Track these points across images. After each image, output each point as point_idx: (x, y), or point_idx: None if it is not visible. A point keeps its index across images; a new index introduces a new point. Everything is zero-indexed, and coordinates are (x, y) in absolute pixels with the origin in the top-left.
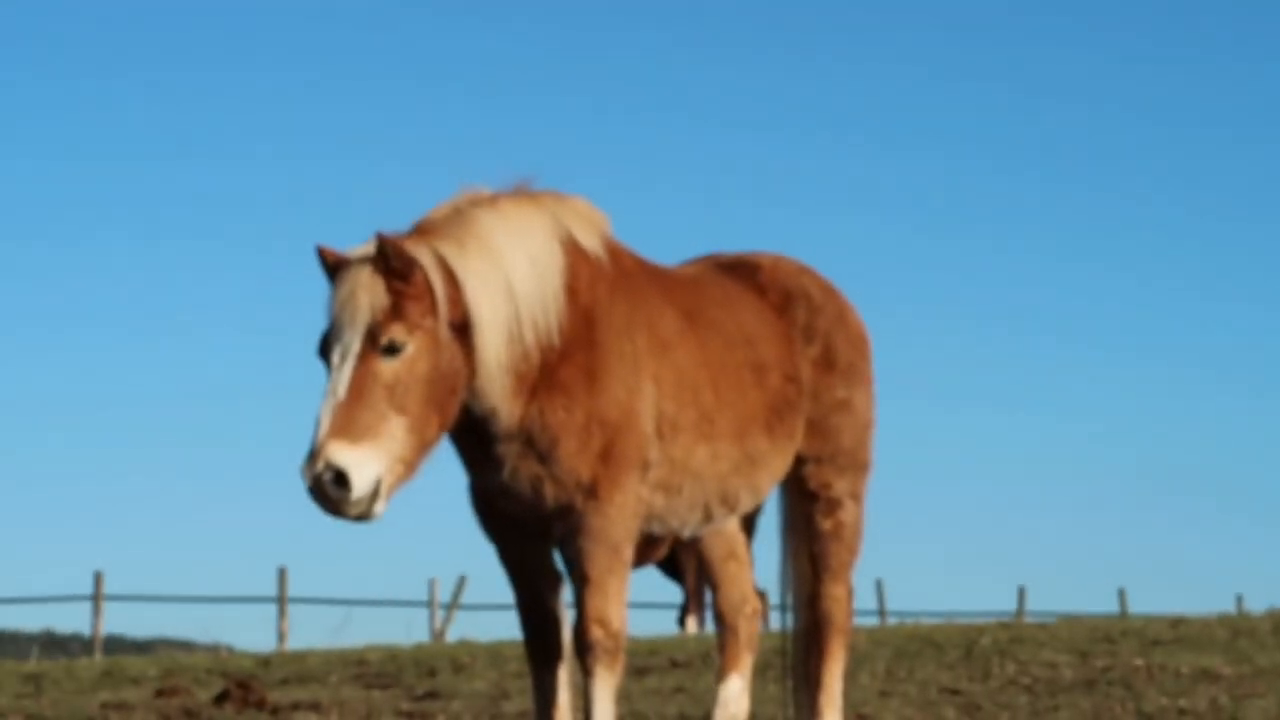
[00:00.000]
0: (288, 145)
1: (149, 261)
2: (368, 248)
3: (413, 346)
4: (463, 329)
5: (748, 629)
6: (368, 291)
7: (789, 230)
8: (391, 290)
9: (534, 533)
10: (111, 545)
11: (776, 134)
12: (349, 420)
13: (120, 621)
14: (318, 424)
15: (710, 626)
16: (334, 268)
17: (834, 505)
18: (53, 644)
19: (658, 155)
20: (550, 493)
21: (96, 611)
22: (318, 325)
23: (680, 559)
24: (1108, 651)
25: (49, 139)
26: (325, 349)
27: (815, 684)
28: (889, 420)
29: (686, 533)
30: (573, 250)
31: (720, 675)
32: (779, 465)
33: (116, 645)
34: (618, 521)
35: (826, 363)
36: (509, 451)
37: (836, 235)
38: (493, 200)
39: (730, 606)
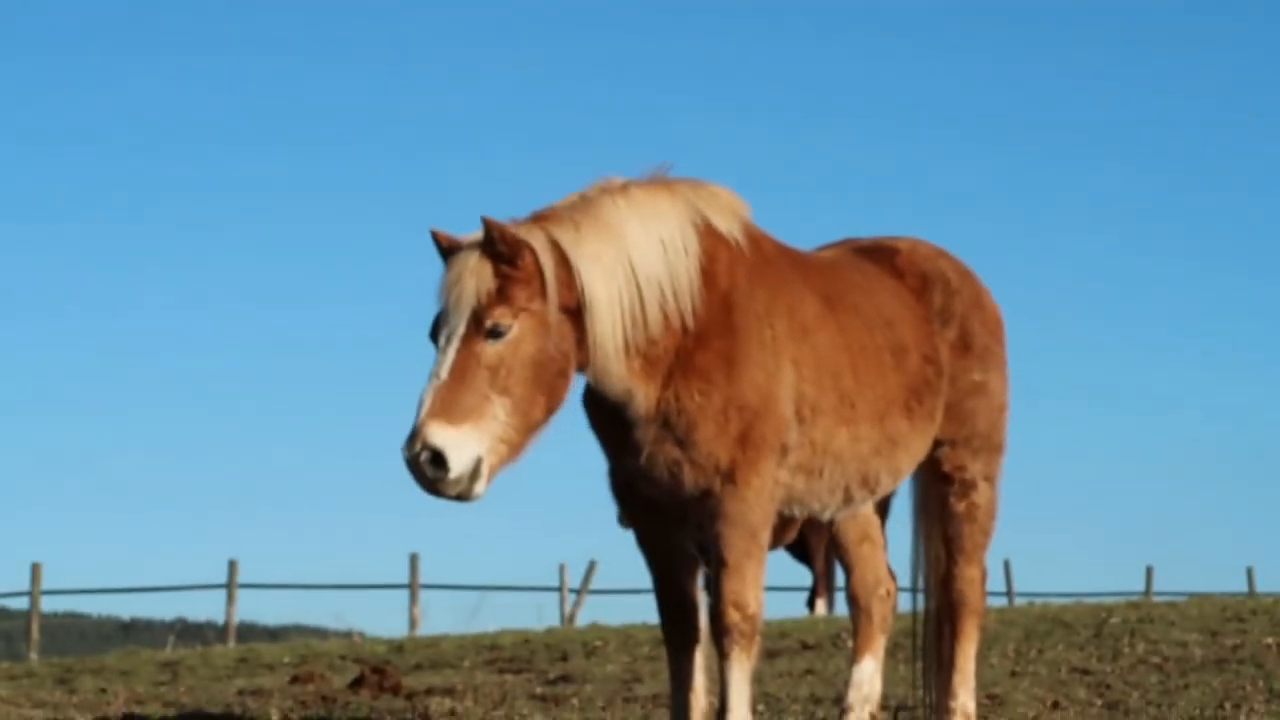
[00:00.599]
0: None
1: (255, 238)
2: (479, 233)
3: (517, 329)
4: (577, 312)
5: (881, 611)
6: (474, 275)
7: (921, 224)
8: (498, 274)
9: (672, 517)
10: (245, 534)
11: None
12: (450, 402)
13: (253, 609)
14: (419, 405)
15: (840, 609)
16: (446, 252)
17: (968, 487)
18: (187, 632)
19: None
20: (688, 477)
21: (230, 599)
22: (432, 309)
23: (809, 542)
24: (1237, 630)
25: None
26: (434, 332)
27: (949, 664)
28: (1014, 400)
29: (827, 515)
30: (709, 235)
31: (854, 657)
32: (918, 447)
33: (250, 632)
34: (755, 506)
35: (963, 345)
36: (646, 435)
37: (970, 229)
38: (624, 188)
39: (865, 589)
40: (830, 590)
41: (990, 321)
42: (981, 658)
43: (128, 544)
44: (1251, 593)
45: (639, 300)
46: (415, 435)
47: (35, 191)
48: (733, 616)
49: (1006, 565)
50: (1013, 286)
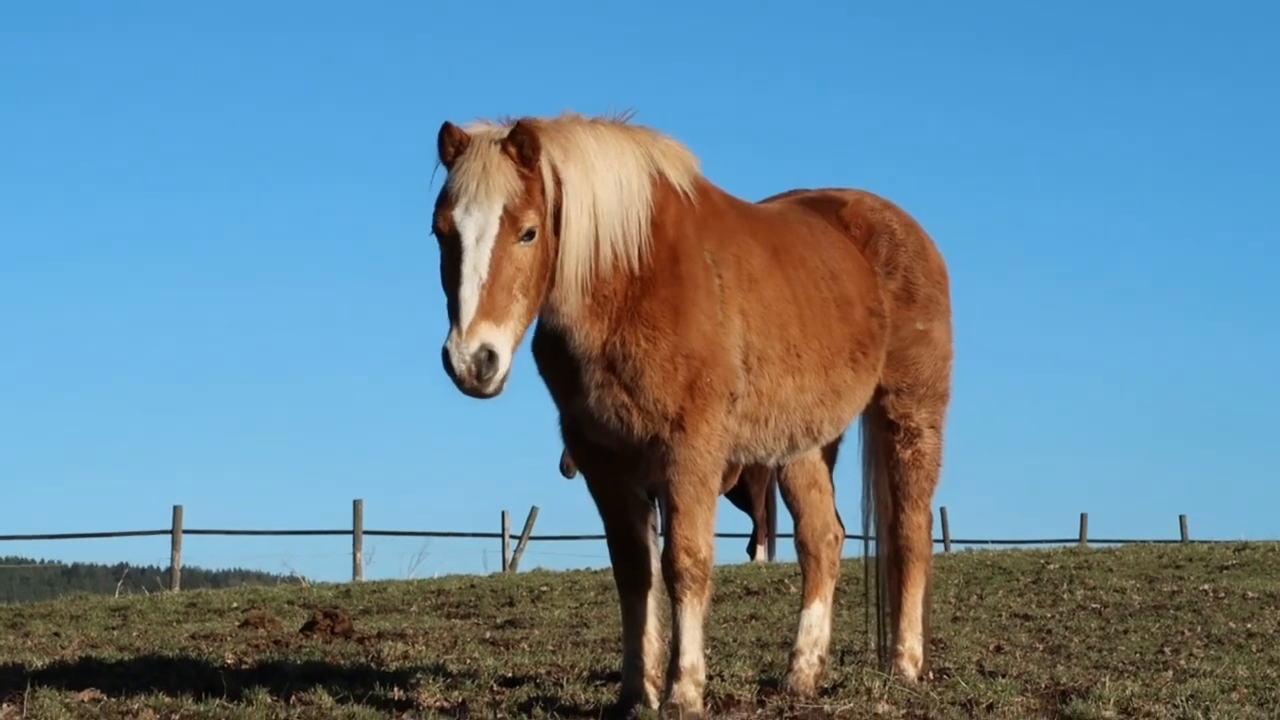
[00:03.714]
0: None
1: (220, 208)
2: (488, 128)
3: (539, 233)
4: (555, 230)
5: (830, 556)
6: (500, 173)
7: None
8: (520, 175)
9: (622, 463)
10: (189, 480)
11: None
12: (492, 302)
13: (196, 555)
14: (462, 304)
15: (781, 555)
16: (459, 142)
17: (914, 435)
18: (131, 577)
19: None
20: (637, 423)
21: (175, 545)
22: (387, 264)
23: (749, 489)
24: (1175, 577)
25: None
26: (447, 222)
27: (896, 609)
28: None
29: (771, 462)
30: (661, 185)
31: (803, 602)
32: (861, 397)
33: (194, 578)
34: (705, 453)
35: (907, 296)
36: (592, 378)
37: (918, 183)
38: (592, 123)
39: (813, 534)
40: (771, 536)
41: (934, 272)
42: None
43: (71, 491)
44: (1185, 541)
45: (596, 235)
46: (469, 333)
47: None
48: (684, 561)
49: (943, 513)
50: (955, 242)
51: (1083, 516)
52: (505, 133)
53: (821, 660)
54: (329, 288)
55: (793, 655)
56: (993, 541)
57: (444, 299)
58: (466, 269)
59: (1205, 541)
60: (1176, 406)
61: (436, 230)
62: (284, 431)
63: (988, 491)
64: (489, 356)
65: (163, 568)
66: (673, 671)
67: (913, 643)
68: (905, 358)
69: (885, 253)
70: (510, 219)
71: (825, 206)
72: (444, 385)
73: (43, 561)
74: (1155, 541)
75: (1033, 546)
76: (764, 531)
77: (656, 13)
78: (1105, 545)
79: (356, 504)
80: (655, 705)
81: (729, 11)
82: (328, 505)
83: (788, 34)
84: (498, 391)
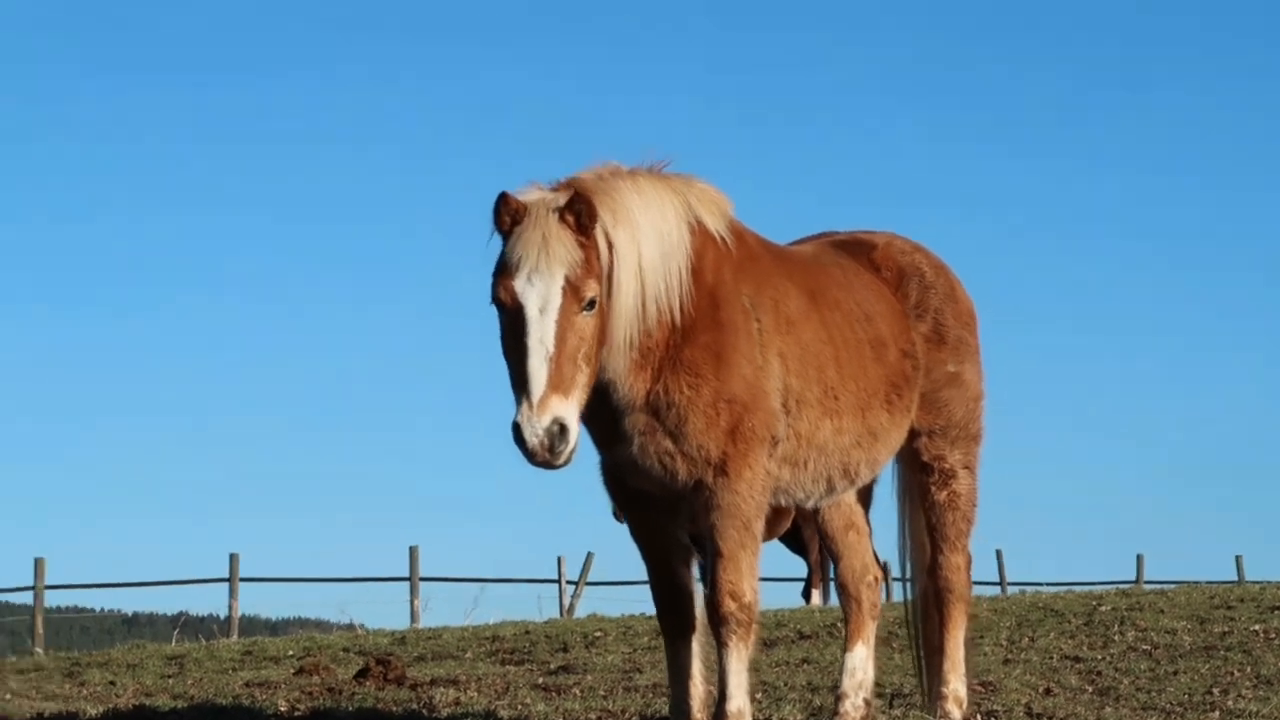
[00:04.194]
0: None
1: (254, 237)
2: (543, 195)
3: (599, 302)
4: (607, 294)
5: (870, 597)
6: (559, 242)
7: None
8: (579, 244)
9: (664, 508)
10: (247, 528)
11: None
12: (559, 375)
13: (255, 603)
14: (530, 377)
15: (835, 599)
16: (515, 212)
17: (948, 476)
18: (190, 626)
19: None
20: (681, 469)
21: (233, 593)
22: (443, 312)
23: (803, 533)
24: (1226, 618)
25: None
26: (508, 292)
27: (938, 651)
28: (1004, 393)
29: (809, 505)
30: (700, 233)
31: (846, 644)
32: (896, 438)
33: (252, 626)
34: (748, 498)
35: (938, 338)
36: (635, 425)
37: (958, 225)
38: (632, 175)
39: (853, 576)
40: (825, 580)
41: (964, 314)
42: (974, 645)
43: (130, 539)
44: (1240, 581)
45: (643, 294)
46: (541, 407)
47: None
48: (729, 606)
49: (999, 555)
50: (1005, 280)
51: (1139, 557)
52: (561, 200)
53: (867, 703)
54: (387, 334)
55: (838, 699)
56: (1048, 584)
57: (504, 367)
58: (533, 341)
59: (1260, 582)
60: (1234, 446)
61: (497, 300)
62: (342, 479)
63: (1045, 534)
64: (560, 430)
65: (221, 616)
66: (719, 716)
67: (956, 684)
68: (937, 400)
69: (916, 295)
70: (572, 289)
71: (856, 249)
72: (509, 449)
73: (102, 610)
74: (1210, 582)
75: (1088, 588)
76: (818, 575)
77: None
78: (1161, 586)
79: (413, 550)
80: None
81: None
82: (385, 552)
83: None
84: (568, 463)
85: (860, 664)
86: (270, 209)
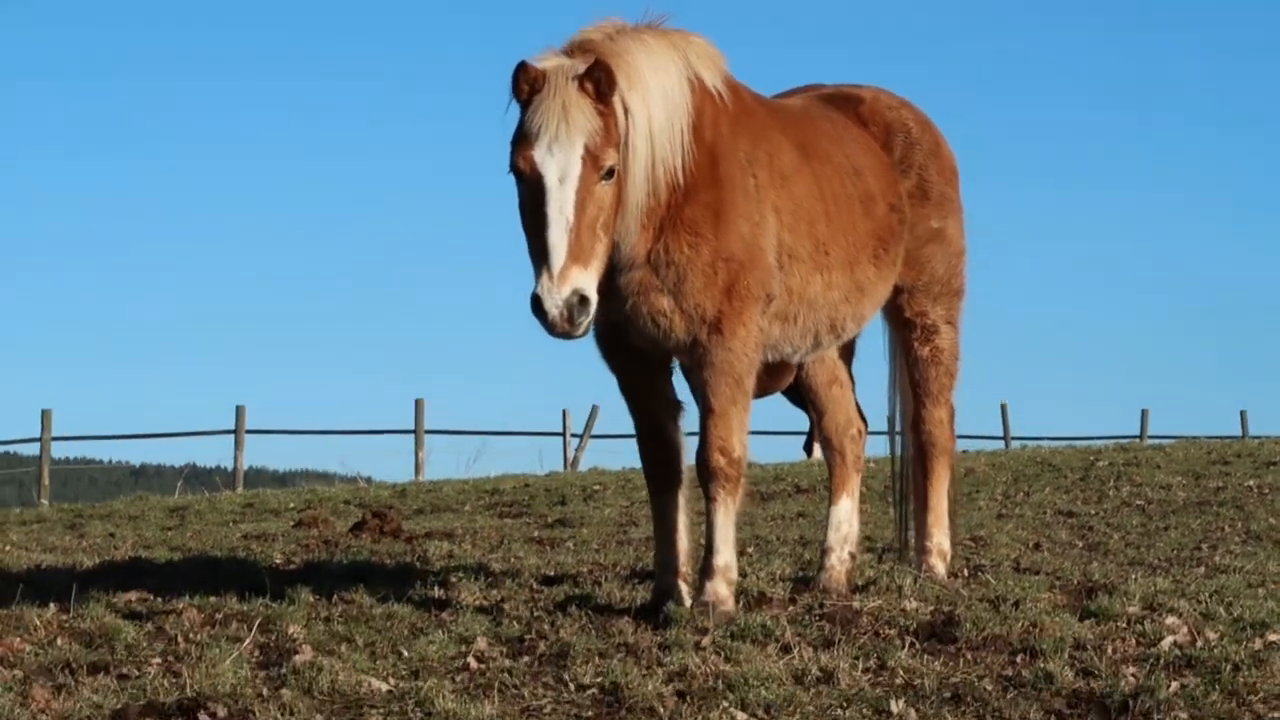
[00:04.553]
0: None
1: (255, 92)
2: (561, 62)
3: (618, 171)
4: (623, 162)
5: (854, 450)
6: (579, 110)
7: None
8: (598, 112)
9: (655, 364)
10: (254, 380)
11: None
12: (579, 245)
13: (262, 455)
14: (550, 248)
15: None
16: (534, 80)
17: (931, 332)
18: (196, 477)
19: None
20: (677, 327)
21: (238, 445)
22: (450, 170)
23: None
24: (1221, 473)
25: None
26: (527, 162)
27: (922, 505)
28: (1013, 251)
29: (795, 359)
30: (699, 90)
31: (831, 498)
32: (883, 293)
33: (258, 478)
34: (741, 355)
35: (921, 194)
36: (632, 282)
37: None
38: (637, 33)
39: (836, 430)
40: None
41: (947, 170)
42: (969, 501)
43: (138, 391)
44: (1244, 436)
45: (652, 158)
46: (562, 278)
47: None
48: (718, 461)
49: (1003, 409)
50: (1010, 132)
51: (1143, 413)
52: (580, 67)
53: (852, 556)
54: (397, 192)
55: (824, 553)
56: (1052, 438)
57: (516, 231)
58: (552, 211)
59: (1259, 437)
60: (1240, 299)
61: (515, 170)
62: (350, 332)
63: (1051, 389)
64: (581, 301)
65: (229, 468)
66: (705, 569)
67: (940, 538)
68: (920, 256)
69: (901, 150)
70: (592, 158)
71: (843, 103)
72: (522, 311)
73: (110, 462)
74: (1213, 438)
75: (1089, 443)
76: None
77: None
78: (1163, 442)
79: (418, 403)
80: (688, 602)
81: None
82: (391, 405)
83: None
84: (586, 333)
85: (845, 518)
86: (276, 60)
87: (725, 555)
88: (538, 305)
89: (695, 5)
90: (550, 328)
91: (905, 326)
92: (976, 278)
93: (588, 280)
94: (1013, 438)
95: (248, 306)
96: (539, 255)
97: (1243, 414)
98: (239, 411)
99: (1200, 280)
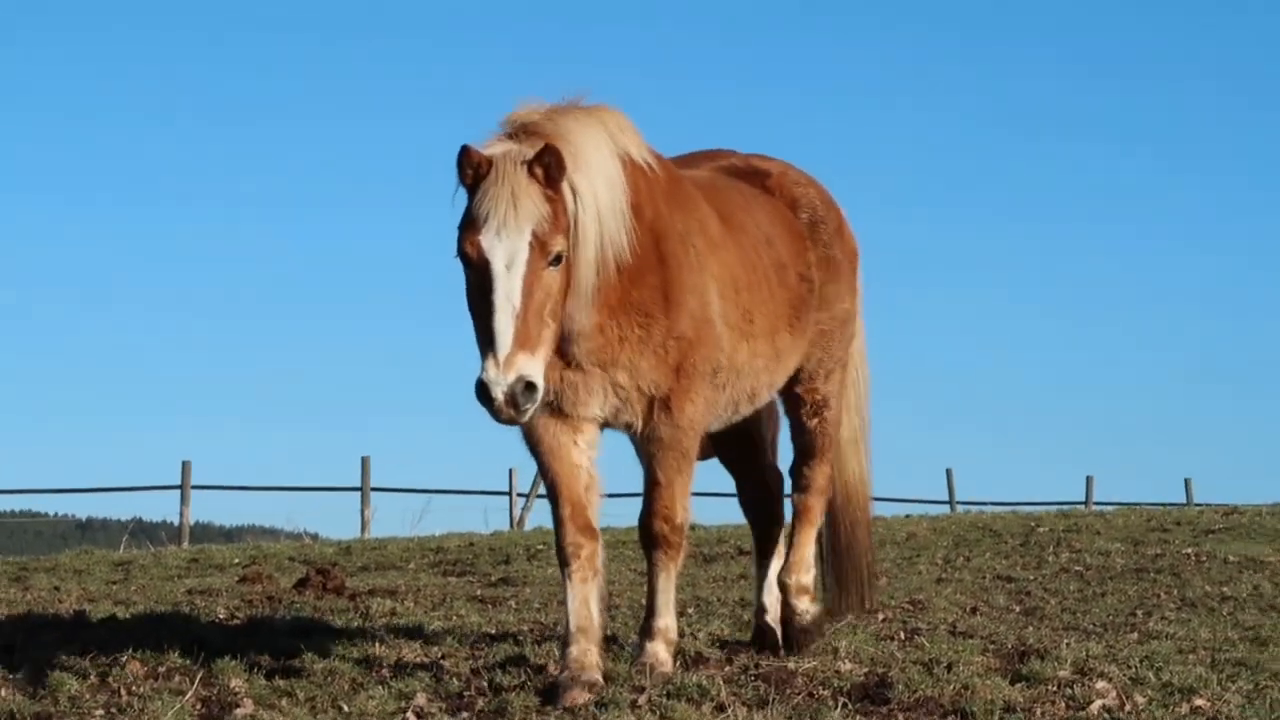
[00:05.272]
0: None
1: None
2: (507, 147)
3: (566, 256)
4: (572, 247)
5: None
6: (528, 196)
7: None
8: (546, 197)
9: (583, 438)
10: (199, 436)
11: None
12: (525, 331)
13: (208, 511)
14: (497, 334)
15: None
16: (478, 165)
17: (820, 406)
18: (142, 531)
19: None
20: (633, 399)
21: (184, 500)
22: (398, 224)
23: None
24: (1160, 540)
25: None
26: (474, 247)
27: (792, 544)
28: (966, 316)
29: (714, 428)
30: (630, 165)
31: (759, 560)
32: (794, 361)
33: (205, 533)
34: (688, 430)
35: (832, 273)
36: (590, 350)
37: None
38: (568, 112)
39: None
40: None
41: (850, 251)
42: (909, 565)
43: (83, 445)
44: (1189, 503)
45: (602, 240)
46: (508, 365)
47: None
48: (662, 528)
49: (949, 474)
50: (968, 189)
51: (1088, 479)
52: (528, 152)
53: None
54: (347, 248)
55: (760, 612)
56: (997, 504)
57: (470, 321)
58: (499, 298)
59: (1201, 505)
60: (1186, 365)
61: (463, 255)
62: (296, 388)
63: (997, 455)
64: (526, 388)
65: (174, 523)
66: (646, 631)
67: (805, 578)
68: (822, 336)
69: (807, 227)
70: (540, 244)
71: (750, 177)
72: (468, 395)
73: (56, 515)
74: (1156, 505)
75: (1034, 509)
76: None
77: None
78: (1107, 508)
79: (364, 460)
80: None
81: None
82: (336, 462)
83: None
84: (531, 418)
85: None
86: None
87: (666, 618)
88: (483, 391)
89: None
90: (496, 414)
91: (797, 402)
92: (926, 341)
93: (534, 367)
94: (958, 502)
95: (194, 362)
96: (485, 341)
97: (1187, 481)
98: (185, 467)
99: (1147, 347)
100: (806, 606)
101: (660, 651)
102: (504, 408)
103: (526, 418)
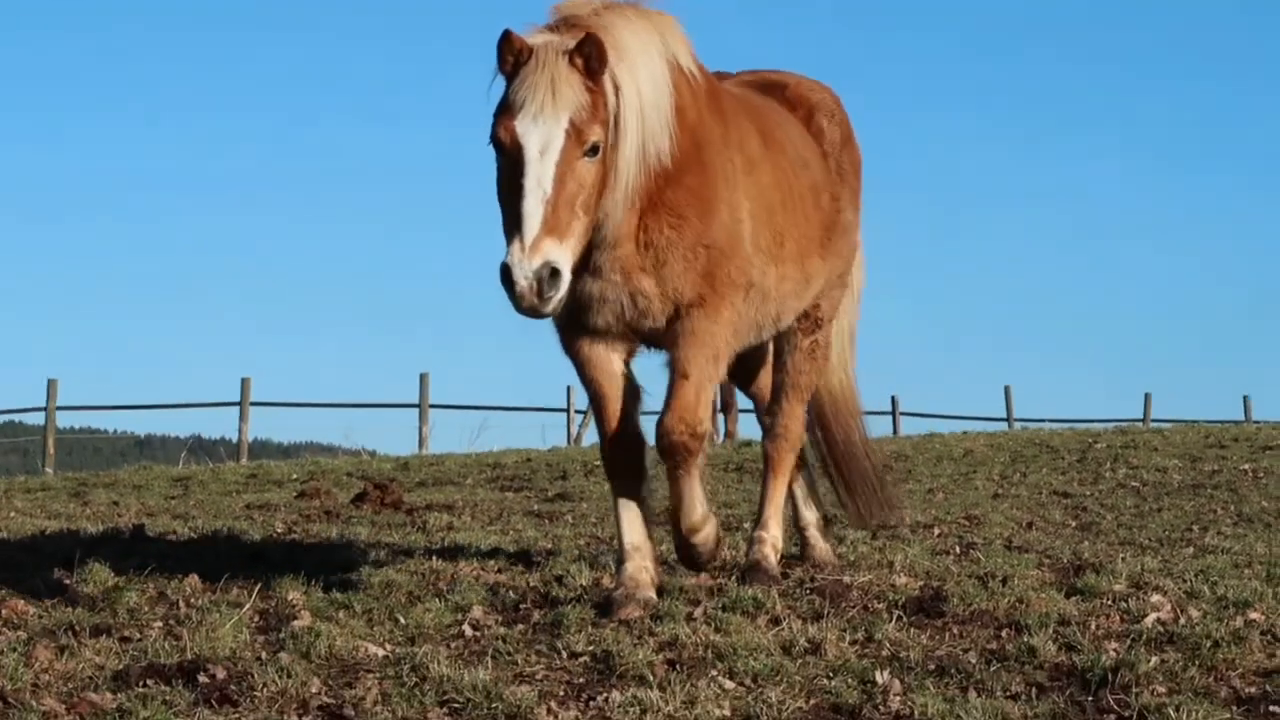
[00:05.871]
0: None
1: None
2: (549, 37)
3: (603, 148)
4: (612, 142)
5: None
6: (568, 85)
7: None
8: (586, 87)
9: (621, 349)
10: (259, 354)
11: None
12: (555, 218)
13: (267, 427)
14: (525, 218)
15: None
16: (519, 52)
17: (815, 324)
18: (201, 448)
19: None
20: (654, 308)
21: (243, 417)
22: (453, 141)
23: None
24: (1217, 456)
25: None
26: (508, 132)
27: (764, 494)
28: (1029, 237)
29: (736, 351)
30: (677, 71)
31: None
32: (819, 286)
33: (263, 450)
34: (723, 331)
35: (840, 181)
36: (614, 259)
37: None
38: (620, 10)
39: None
40: None
41: (856, 160)
42: (966, 481)
43: (144, 362)
44: (1246, 420)
45: (643, 138)
46: (533, 249)
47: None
48: (683, 434)
49: (1007, 391)
50: (1025, 106)
51: (1146, 396)
52: (570, 42)
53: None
54: (404, 162)
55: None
56: (1055, 421)
57: (499, 211)
58: (529, 182)
59: (1258, 422)
60: (1245, 284)
61: (496, 140)
62: (356, 305)
63: (1057, 373)
64: (552, 274)
65: (233, 440)
66: (681, 529)
67: (775, 531)
68: (832, 246)
69: (825, 137)
70: (576, 133)
71: (770, 90)
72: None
73: (115, 432)
74: (1214, 422)
75: (1097, 426)
76: None
77: None
78: (1167, 425)
79: (423, 377)
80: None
81: None
82: (396, 379)
83: None
84: (555, 311)
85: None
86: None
87: (700, 510)
88: (506, 275)
89: None
90: (518, 300)
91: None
92: (989, 262)
93: (562, 254)
94: (1016, 420)
95: (254, 281)
96: (512, 225)
97: (1245, 399)
98: (244, 384)
99: (1208, 266)
100: (774, 560)
101: (707, 542)
102: (527, 294)
103: (551, 308)
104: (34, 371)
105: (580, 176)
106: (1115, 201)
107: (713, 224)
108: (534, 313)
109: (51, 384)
